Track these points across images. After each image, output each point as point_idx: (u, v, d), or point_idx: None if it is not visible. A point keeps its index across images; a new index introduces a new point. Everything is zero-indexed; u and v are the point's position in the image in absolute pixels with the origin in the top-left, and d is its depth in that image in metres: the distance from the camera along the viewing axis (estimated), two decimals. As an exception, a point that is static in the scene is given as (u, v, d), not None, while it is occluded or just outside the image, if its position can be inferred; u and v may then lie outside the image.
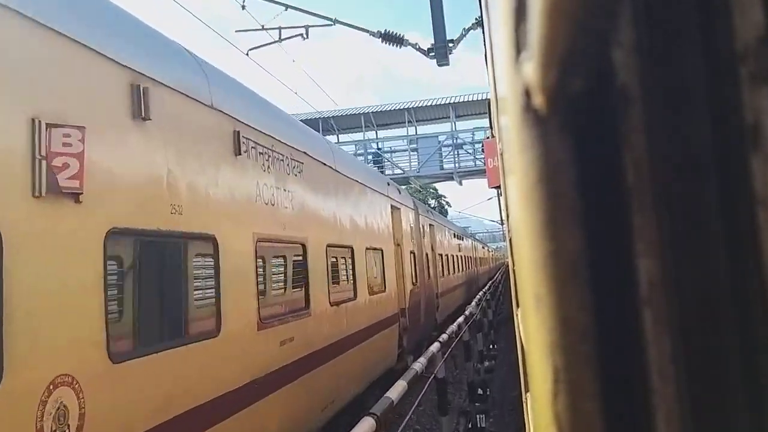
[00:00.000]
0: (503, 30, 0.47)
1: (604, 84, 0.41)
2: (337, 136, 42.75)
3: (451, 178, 42.04)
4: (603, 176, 0.42)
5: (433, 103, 43.03)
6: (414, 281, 13.79)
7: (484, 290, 22.07)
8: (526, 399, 1.80)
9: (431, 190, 73.91)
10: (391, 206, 12.19)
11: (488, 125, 36.90)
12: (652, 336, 0.40)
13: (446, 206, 73.58)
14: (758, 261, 0.38)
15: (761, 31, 0.38)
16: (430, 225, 17.74)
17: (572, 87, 0.40)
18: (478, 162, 38.81)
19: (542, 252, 0.43)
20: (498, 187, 15.06)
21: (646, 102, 0.41)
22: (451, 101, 42.46)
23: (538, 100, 0.42)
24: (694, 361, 0.40)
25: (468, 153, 41.17)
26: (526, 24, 0.40)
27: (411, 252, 13.80)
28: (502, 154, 1.50)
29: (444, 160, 41.13)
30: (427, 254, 16.27)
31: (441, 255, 19.66)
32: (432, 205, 67.55)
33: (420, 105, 43.19)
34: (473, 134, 41.72)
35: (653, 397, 0.40)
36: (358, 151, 41.75)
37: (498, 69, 0.74)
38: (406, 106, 42.85)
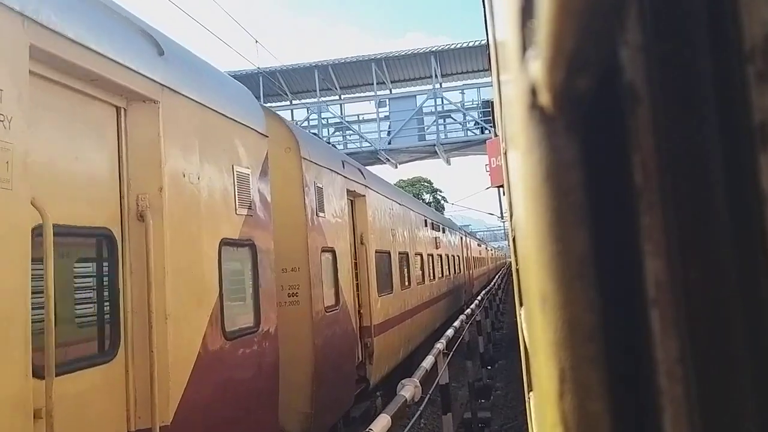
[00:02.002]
0: (510, 28, 0.47)
1: (612, 83, 0.41)
2: (290, 101, 32.01)
3: (434, 154, 31.10)
4: (610, 175, 0.42)
5: (411, 53, 30.80)
6: (246, 321, 5.19)
7: (475, 304, 14.33)
8: (529, 398, 1.80)
9: (425, 183, 70.31)
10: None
11: (478, 83, 29.82)
12: (660, 336, 0.40)
13: (443, 201, 68.16)
14: (766, 261, 0.38)
15: None
16: (351, 192, 9.14)
17: (579, 85, 0.40)
18: (470, 132, 29.86)
19: (549, 251, 0.43)
20: (501, 187, 14.75)
21: (654, 101, 0.41)
22: (435, 50, 30.21)
23: (544, 99, 0.42)
24: (702, 362, 0.39)
25: (456, 122, 30.50)
26: (533, 22, 0.40)
27: (223, 241, 4.71)
28: (506, 153, 1.50)
29: (427, 132, 30.54)
30: (333, 250, 7.83)
31: (390, 253, 11.29)
32: (427, 201, 61.38)
33: (393, 55, 30.88)
34: (463, 93, 30.59)
35: (660, 397, 0.40)
36: (311, 117, 30.79)
37: (503, 67, 0.74)
38: (374, 57, 30.78)
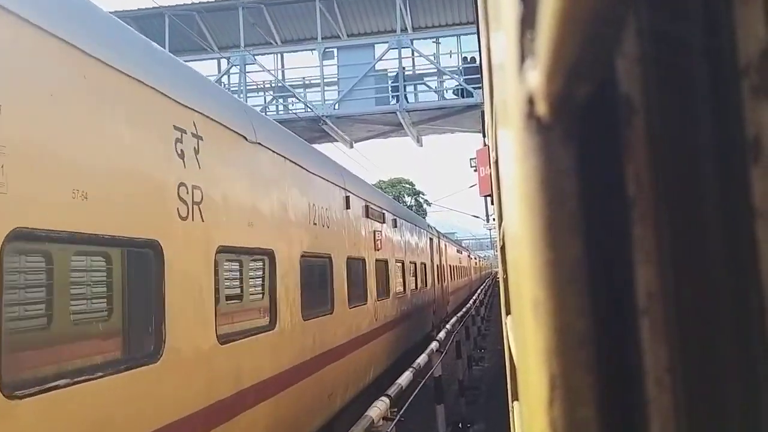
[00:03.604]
0: (508, 37, 0.48)
1: (608, 94, 0.42)
2: (219, 58, 21.25)
3: (399, 128, 21.27)
4: (604, 185, 0.42)
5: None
6: None
7: (434, 346, 8.55)
8: (512, 407, 1.80)
9: (406, 184, 63.61)
10: None
11: (458, 31, 20.13)
12: (649, 345, 0.41)
13: (425, 205, 63.97)
14: (757, 273, 0.38)
15: (764, 45, 0.39)
16: None
17: (577, 95, 0.40)
18: (444, 99, 20.38)
19: (542, 258, 0.44)
20: (489, 196, 14.53)
21: (649, 112, 0.41)
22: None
23: (541, 108, 0.42)
24: (691, 371, 0.40)
25: (430, 88, 20.80)
26: (532, 32, 0.41)
27: None
28: (496, 162, 1.51)
29: (391, 94, 20.44)
30: None
31: (162, 250, 3.58)
32: (408, 204, 56.41)
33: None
34: (437, 43, 20.96)
35: (649, 405, 0.40)
36: (233, 70, 21.03)
37: (499, 76, 0.75)
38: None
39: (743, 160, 0.39)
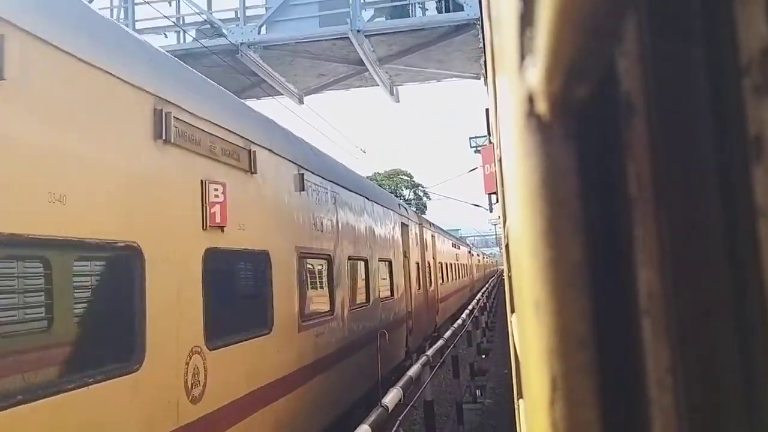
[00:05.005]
0: (508, 35, 0.47)
1: (609, 92, 0.41)
2: None
3: (361, 69, 14.64)
4: (605, 185, 0.42)
5: None
6: None
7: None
8: (518, 405, 1.80)
9: (404, 176, 60.35)
10: None
11: None
12: (651, 346, 0.40)
13: (425, 198, 59.36)
14: (758, 273, 0.38)
15: (765, 43, 0.39)
16: None
17: (577, 94, 0.40)
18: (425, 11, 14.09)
19: (542, 258, 0.43)
20: (494, 193, 14.42)
21: (650, 112, 0.41)
22: None
23: (541, 107, 0.42)
24: (692, 372, 0.40)
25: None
26: (532, 30, 0.40)
27: None
28: (500, 160, 1.50)
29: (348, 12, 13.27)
30: None
31: None
32: (406, 197, 53.51)
33: None
34: None
35: (651, 407, 0.40)
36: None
37: (500, 74, 0.74)
38: None
39: (745, 159, 0.39)
